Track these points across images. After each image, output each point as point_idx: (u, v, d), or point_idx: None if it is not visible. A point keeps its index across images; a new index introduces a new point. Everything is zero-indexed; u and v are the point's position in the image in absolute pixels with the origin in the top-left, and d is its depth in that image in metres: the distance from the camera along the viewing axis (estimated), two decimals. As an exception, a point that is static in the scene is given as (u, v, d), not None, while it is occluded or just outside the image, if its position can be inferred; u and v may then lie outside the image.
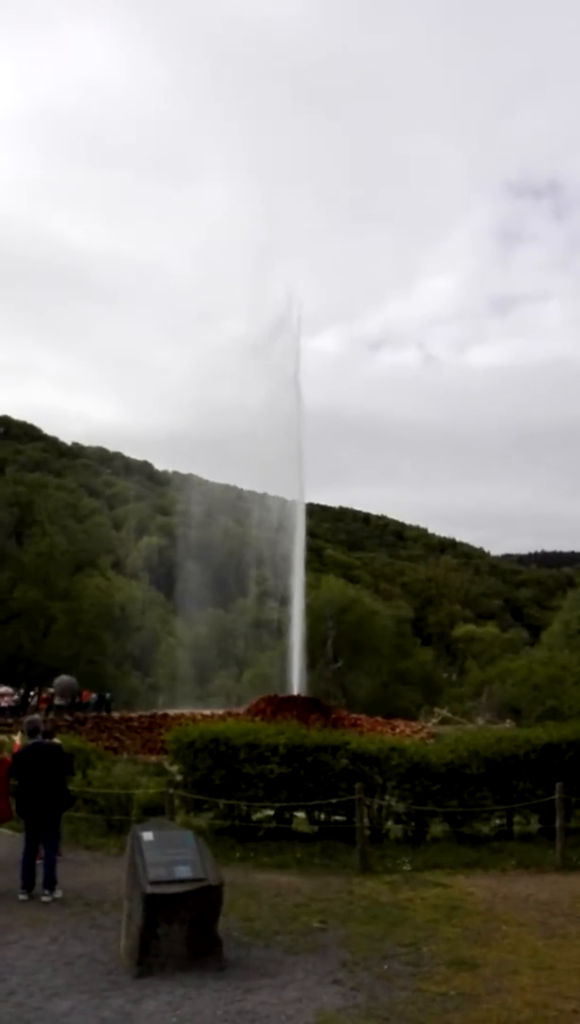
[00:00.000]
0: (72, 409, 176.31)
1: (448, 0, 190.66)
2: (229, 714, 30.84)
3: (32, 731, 9.15)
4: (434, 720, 39.41)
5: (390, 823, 11.68)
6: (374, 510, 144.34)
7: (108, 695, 41.94)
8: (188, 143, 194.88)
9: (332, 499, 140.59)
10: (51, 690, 36.18)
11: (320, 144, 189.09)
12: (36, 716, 9.88)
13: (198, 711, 35.73)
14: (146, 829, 7.27)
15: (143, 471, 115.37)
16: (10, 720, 31.08)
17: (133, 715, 35.91)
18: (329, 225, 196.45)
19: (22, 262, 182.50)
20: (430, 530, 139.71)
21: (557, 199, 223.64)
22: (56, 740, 9.59)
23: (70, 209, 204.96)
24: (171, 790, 11.44)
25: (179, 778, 12.34)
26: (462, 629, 76.57)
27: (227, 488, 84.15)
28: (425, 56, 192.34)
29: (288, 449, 43.49)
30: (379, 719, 36.77)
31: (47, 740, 9.24)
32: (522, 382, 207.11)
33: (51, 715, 29.57)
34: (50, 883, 8.61)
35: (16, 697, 35.53)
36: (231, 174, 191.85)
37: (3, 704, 35.08)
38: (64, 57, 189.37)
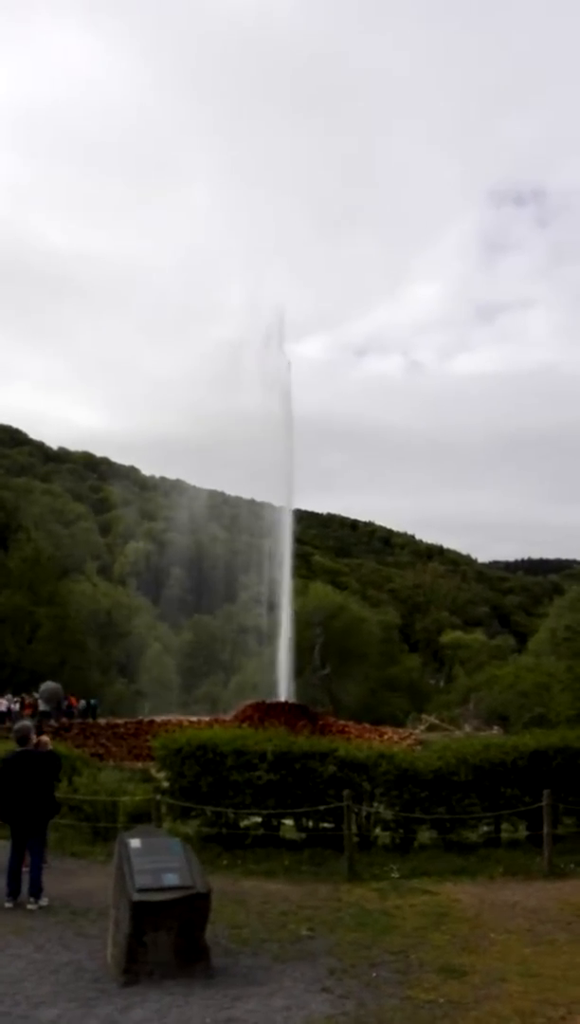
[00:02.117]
0: (57, 413, 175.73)
1: (437, 7, 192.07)
2: (216, 721, 30.76)
3: (21, 739, 9.09)
4: (421, 727, 39.44)
5: (378, 830, 11.66)
6: (362, 517, 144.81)
7: (94, 702, 41.73)
8: (174, 145, 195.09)
9: (320, 505, 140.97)
10: (36, 695, 35.94)
11: (306, 150, 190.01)
12: (27, 723, 9.80)
13: (185, 718, 35.63)
14: (133, 836, 7.22)
15: (130, 476, 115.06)
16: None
17: (119, 721, 35.74)
18: (314, 231, 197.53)
19: (3, 264, 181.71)
20: (417, 537, 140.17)
21: (542, 207, 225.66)
22: (45, 738, 9.54)
23: (54, 211, 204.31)
24: (158, 797, 11.39)
25: (166, 785, 12.29)
26: (449, 636, 76.71)
27: (214, 494, 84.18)
28: (413, 63, 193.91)
29: (276, 455, 43.59)
30: (367, 726, 36.81)
31: (37, 745, 9.19)
32: (508, 389, 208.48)
33: (35, 721, 29.36)
34: (36, 891, 8.54)
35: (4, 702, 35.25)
36: (217, 177, 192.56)
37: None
38: (49, 58, 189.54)
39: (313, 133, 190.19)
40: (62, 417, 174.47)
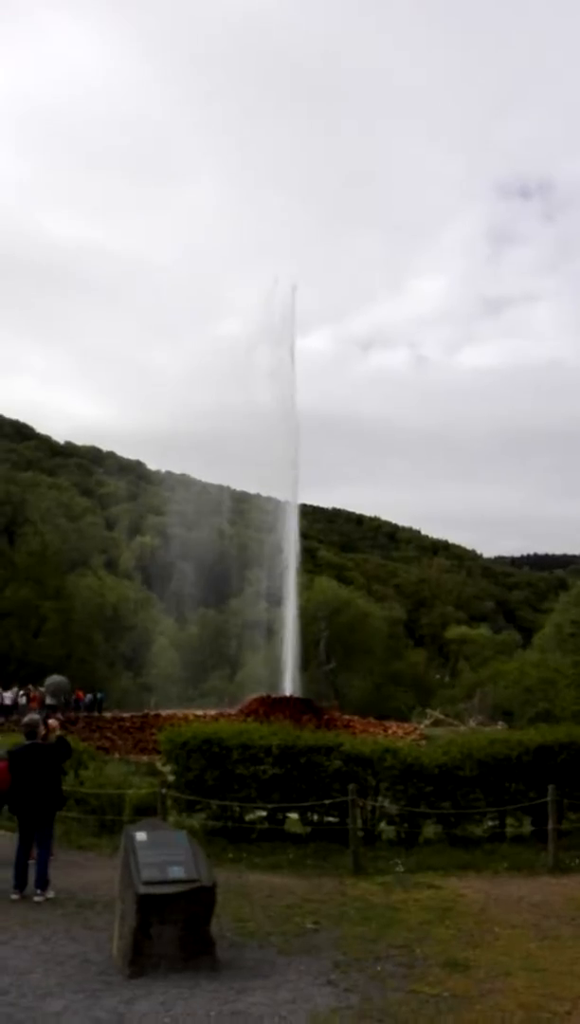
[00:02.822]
0: (64, 408, 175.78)
1: (442, 2, 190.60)
2: (221, 715, 30.82)
3: (30, 732, 9.12)
4: (426, 722, 39.44)
5: (383, 824, 11.69)
6: (367, 511, 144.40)
7: (100, 695, 41.86)
8: (177, 140, 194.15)
9: (325, 500, 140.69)
10: (42, 689, 36.07)
11: (310, 144, 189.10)
12: (35, 716, 9.84)
13: (190, 711, 35.69)
14: (139, 829, 7.25)
15: (136, 471, 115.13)
16: (1, 720, 31.04)
17: (125, 715, 35.87)
18: (318, 225, 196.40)
19: (7, 259, 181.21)
20: (423, 532, 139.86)
21: (548, 201, 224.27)
22: (53, 722, 9.56)
23: (57, 207, 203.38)
24: (164, 790, 11.42)
25: (171, 778, 12.33)
26: (454, 631, 76.62)
27: (220, 488, 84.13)
28: (417, 57, 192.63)
29: (281, 450, 43.53)
30: (372, 720, 36.87)
31: (46, 734, 9.23)
32: (513, 384, 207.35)
33: (43, 715, 29.45)
34: (43, 883, 8.58)
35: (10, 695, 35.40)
36: (220, 173, 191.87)
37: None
38: (50, 55, 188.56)
39: (316, 128, 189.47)
40: (68, 411, 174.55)
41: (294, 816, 11.78)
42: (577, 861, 10.19)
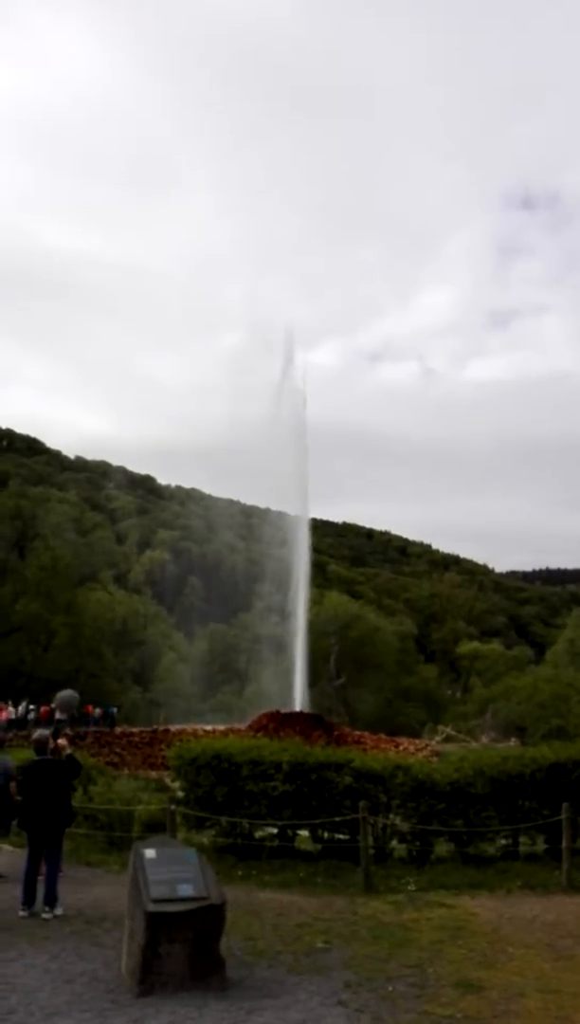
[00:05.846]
0: (74, 423, 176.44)
1: (445, 11, 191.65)
2: (231, 730, 30.70)
3: (39, 748, 9.10)
4: (438, 738, 39.18)
5: (394, 842, 11.57)
6: (377, 525, 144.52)
7: (113, 709, 41.74)
8: (177, 149, 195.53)
9: (335, 514, 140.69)
10: (53, 705, 35.98)
11: (316, 156, 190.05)
12: (45, 732, 9.81)
13: (199, 727, 35.60)
14: (148, 846, 7.19)
15: (145, 485, 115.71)
16: (10, 735, 30.96)
17: (134, 730, 35.82)
18: (324, 237, 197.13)
19: (8, 270, 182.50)
20: (434, 546, 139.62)
21: (554, 212, 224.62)
22: (63, 741, 9.52)
23: (58, 217, 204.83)
24: (173, 807, 11.35)
25: (181, 795, 12.26)
26: (466, 646, 76.17)
27: (230, 503, 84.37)
28: (422, 68, 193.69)
29: (291, 464, 43.61)
30: (382, 736, 36.67)
31: (54, 752, 9.20)
32: (523, 396, 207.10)
33: (52, 730, 29.35)
34: (51, 900, 8.53)
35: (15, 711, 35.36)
36: (225, 183, 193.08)
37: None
38: (50, 65, 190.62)
39: (322, 140, 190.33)
40: (75, 424, 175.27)
41: (304, 833, 11.69)
42: (591, 880, 10.06)
